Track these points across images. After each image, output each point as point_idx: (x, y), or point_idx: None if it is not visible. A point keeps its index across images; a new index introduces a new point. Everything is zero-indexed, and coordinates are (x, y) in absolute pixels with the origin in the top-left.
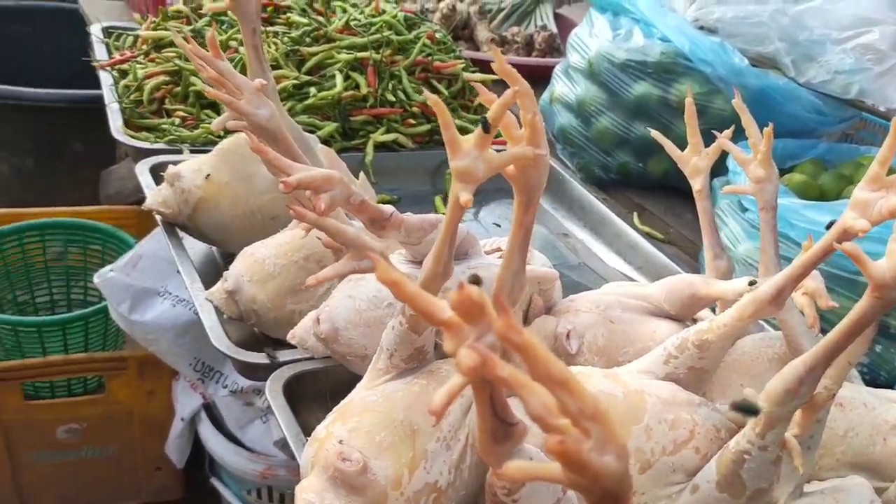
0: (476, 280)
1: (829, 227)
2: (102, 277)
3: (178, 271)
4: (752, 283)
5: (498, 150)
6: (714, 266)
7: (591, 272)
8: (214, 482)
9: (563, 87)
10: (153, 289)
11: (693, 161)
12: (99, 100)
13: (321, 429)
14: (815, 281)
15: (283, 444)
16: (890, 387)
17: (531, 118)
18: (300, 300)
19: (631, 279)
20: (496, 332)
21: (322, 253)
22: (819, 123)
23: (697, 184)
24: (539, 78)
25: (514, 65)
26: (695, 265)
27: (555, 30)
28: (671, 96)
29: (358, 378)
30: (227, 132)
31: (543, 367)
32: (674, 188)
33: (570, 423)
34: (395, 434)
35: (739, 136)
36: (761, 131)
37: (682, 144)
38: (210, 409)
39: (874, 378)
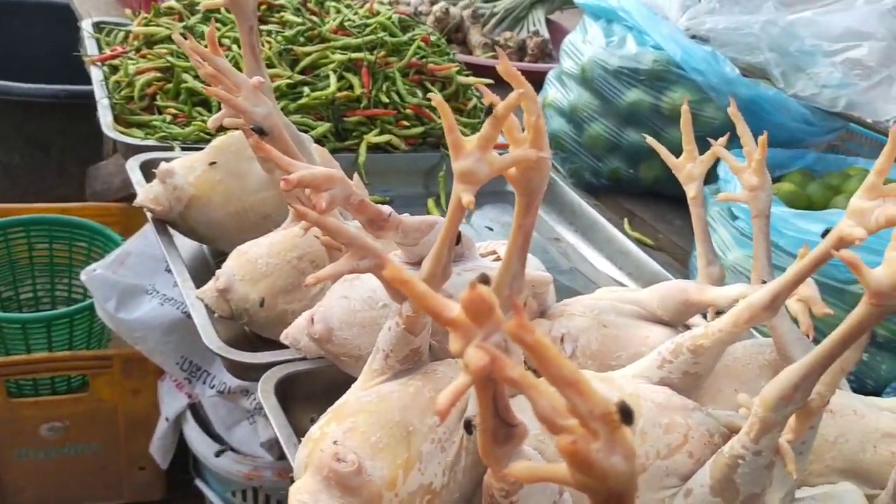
0: (485, 280)
1: (824, 235)
2: (89, 275)
3: (167, 269)
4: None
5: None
6: (707, 272)
7: (583, 277)
8: (199, 483)
9: (555, 92)
10: (140, 286)
11: (688, 168)
12: (86, 95)
13: (315, 429)
14: (809, 288)
15: (269, 446)
16: (877, 394)
17: (535, 120)
18: (292, 300)
19: (622, 284)
20: (509, 331)
21: (315, 252)
22: (807, 134)
23: (692, 190)
24: (531, 83)
25: None
26: (684, 271)
27: (547, 35)
28: (663, 104)
29: (351, 379)
30: (221, 130)
31: (555, 368)
32: (663, 195)
33: (577, 423)
34: (391, 435)
35: (732, 144)
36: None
37: (672, 151)
38: (196, 409)
39: (862, 386)
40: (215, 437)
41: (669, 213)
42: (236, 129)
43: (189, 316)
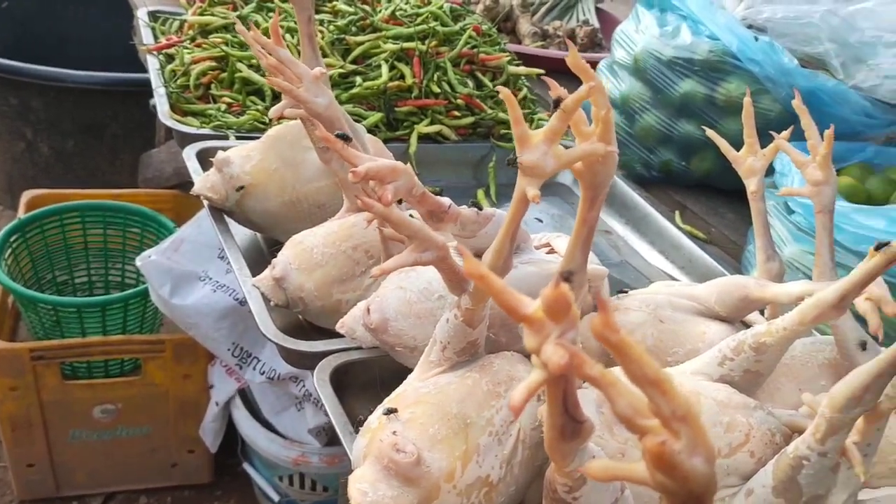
0: (568, 277)
1: (878, 247)
2: (144, 261)
3: (220, 256)
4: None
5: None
6: (766, 268)
7: (634, 270)
8: (246, 467)
9: (606, 83)
10: (194, 273)
11: (749, 161)
12: (138, 83)
13: (374, 419)
14: (879, 287)
15: (317, 432)
16: None
17: (604, 114)
18: (347, 289)
19: (674, 278)
20: (593, 330)
21: (370, 243)
22: (867, 126)
23: (753, 185)
24: None
25: (556, 59)
26: (738, 266)
27: (597, 24)
28: (717, 95)
29: (404, 369)
30: (279, 119)
31: (638, 367)
32: (715, 188)
33: (659, 423)
34: (449, 427)
35: (791, 137)
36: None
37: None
38: (245, 394)
39: None
40: (263, 422)
41: (721, 206)
42: (296, 118)
43: (241, 303)
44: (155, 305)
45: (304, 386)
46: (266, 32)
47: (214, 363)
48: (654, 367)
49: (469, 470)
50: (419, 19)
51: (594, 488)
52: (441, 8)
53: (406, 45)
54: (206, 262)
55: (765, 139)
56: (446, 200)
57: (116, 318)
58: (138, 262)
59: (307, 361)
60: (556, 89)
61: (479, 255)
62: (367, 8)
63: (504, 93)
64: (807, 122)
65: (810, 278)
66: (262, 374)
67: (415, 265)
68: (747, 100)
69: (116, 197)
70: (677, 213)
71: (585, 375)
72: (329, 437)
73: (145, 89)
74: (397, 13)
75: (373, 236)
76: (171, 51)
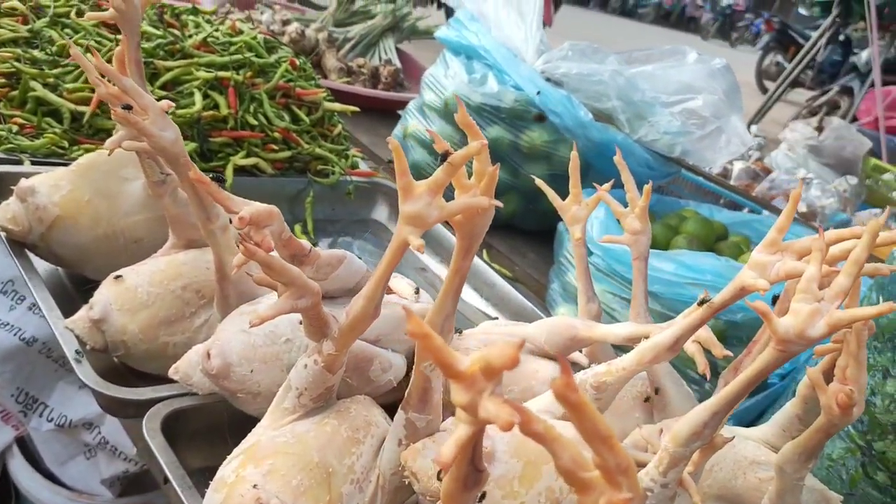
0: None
1: (700, 303)
2: None
3: (3, 292)
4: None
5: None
6: (587, 309)
7: None
8: None
9: (417, 123)
10: None
11: (573, 210)
12: None
13: (229, 472)
14: (706, 331)
15: (111, 483)
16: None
17: (491, 170)
18: (175, 331)
19: (489, 315)
20: (554, 389)
21: (201, 282)
22: (648, 177)
23: (577, 232)
24: (388, 112)
25: (364, 97)
26: (543, 304)
27: (399, 64)
28: (521, 142)
29: (241, 414)
30: (79, 148)
31: (592, 425)
32: (518, 228)
33: (599, 476)
34: (312, 477)
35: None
36: (599, 182)
37: (528, 189)
38: (24, 443)
39: None
40: (45, 473)
41: (524, 246)
42: (136, 151)
43: (28, 343)
44: None
45: (99, 432)
46: (61, 50)
47: None
48: (605, 425)
49: None
50: (233, 48)
51: None
52: (255, 39)
53: (220, 73)
54: None
55: (563, 184)
56: (307, 244)
57: None
58: None
59: (131, 410)
60: (441, 143)
61: (327, 296)
62: (175, 32)
63: (393, 144)
64: (626, 177)
65: (612, 316)
66: (51, 420)
67: (291, 312)
68: (574, 153)
69: None
70: (485, 251)
71: (531, 431)
72: (124, 487)
73: None
74: (209, 40)
75: (205, 275)
76: None
